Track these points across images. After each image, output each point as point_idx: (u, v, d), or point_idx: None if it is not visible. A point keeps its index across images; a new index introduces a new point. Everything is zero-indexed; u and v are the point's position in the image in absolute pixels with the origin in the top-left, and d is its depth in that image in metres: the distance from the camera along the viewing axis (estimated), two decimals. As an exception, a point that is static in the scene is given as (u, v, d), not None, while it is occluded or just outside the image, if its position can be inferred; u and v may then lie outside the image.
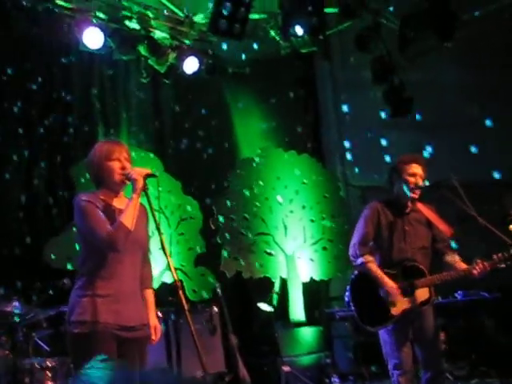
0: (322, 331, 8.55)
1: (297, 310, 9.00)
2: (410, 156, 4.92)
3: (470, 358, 7.48)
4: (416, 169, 4.73)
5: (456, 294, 6.71)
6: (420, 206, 4.82)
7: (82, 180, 7.19)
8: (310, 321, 8.87)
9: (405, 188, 4.71)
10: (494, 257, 4.54)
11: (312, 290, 9.32)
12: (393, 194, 4.83)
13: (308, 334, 8.52)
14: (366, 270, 4.69)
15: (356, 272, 4.82)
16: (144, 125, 8.76)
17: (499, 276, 4.72)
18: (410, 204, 4.80)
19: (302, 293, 9.10)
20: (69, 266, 7.31)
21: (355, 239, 4.79)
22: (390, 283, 4.59)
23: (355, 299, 4.75)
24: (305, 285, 9.18)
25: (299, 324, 8.77)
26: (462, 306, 6.83)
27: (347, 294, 4.80)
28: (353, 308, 4.75)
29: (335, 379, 7.01)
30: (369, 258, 4.70)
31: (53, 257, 7.41)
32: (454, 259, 4.77)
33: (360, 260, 4.70)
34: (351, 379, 7.33)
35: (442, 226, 4.74)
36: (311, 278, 9.21)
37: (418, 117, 8.69)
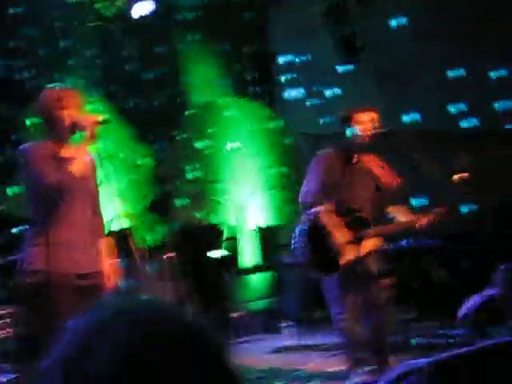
0: (271, 277, 8.68)
1: (246, 256, 9.09)
2: (361, 105, 4.94)
3: (416, 301, 7.70)
4: (367, 117, 4.73)
5: (402, 242, 6.85)
6: (366, 156, 4.82)
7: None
8: (260, 267, 8.98)
9: (355, 135, 4.71)
10: (436, 210, 4.65)
11: (262, 237, 9.41)
12: (342, 143, 4.84)
13: (258, 280, 8.64)
14: (317, 220, 4.64)
15: (307, 219, 4.73)
16: (92, 70, 8.57)
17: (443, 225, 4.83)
18: (357, 154, 4.81)
19: (252, 240, 9.18)
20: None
21: (308, 187, 4.72)
22: (339, 238, 4.57)
23: (305, 246, 4.69)
24: (254, 232, 9.26)
25: (249, 270, 8.87)
26: (407, 252, 6.98)
27: (295, 240, 4.76)
28: (302, 254, 4.73)
29: (283, 324, 7.16)
30: (321, 207, 4.64)
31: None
32: (399, 210, 4.84)
33: (313, 209, 4.63)
34: (300, 324, 7.48)
35: (388, 177, 4.78)
36: (261, 226, 9.29)
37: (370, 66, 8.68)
